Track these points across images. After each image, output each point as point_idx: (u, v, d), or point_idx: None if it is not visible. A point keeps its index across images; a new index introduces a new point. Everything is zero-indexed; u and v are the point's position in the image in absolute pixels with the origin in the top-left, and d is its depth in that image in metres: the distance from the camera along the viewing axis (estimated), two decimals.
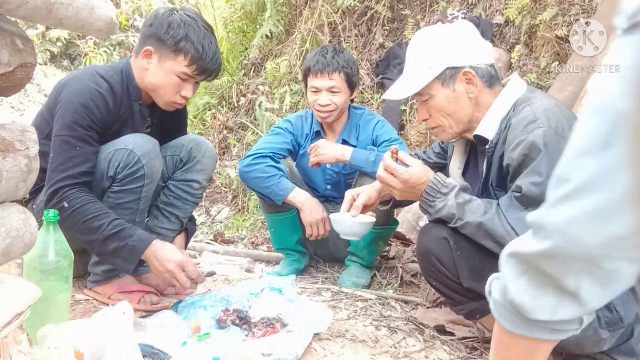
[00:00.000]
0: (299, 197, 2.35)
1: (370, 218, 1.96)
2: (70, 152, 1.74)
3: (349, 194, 1.96)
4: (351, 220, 1.91)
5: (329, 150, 2.35)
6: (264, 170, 2.36)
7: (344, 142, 2.51)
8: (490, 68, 1.64)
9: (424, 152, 2.10)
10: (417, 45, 1.68)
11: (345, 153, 2.33)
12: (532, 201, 1.41)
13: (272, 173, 2.36)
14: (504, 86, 1.65)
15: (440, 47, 1.62)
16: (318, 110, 2.44)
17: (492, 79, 1.63)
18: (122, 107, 1.91)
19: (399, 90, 1.69)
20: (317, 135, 2.55)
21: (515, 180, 1.47)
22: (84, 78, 1.84)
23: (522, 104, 1.54)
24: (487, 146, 1.59)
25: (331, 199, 2.63)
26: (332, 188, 2.58)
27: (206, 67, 1.86)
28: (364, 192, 1.93)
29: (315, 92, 2.42)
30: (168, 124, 2.13)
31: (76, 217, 1.70)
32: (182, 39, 1.81)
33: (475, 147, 1.74)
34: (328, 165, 2.53)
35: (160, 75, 1.86)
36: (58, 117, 1.78)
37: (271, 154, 2.41)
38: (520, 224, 1.41)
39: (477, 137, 1.62)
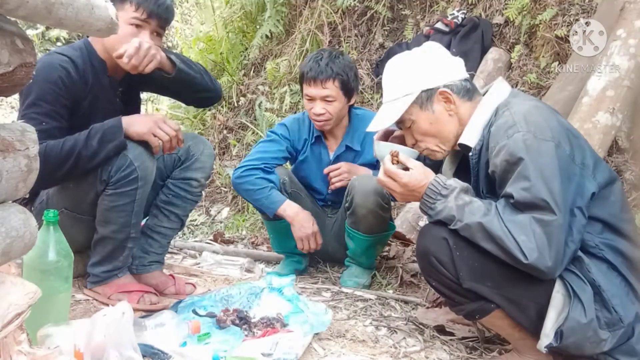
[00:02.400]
0: (289, 210, 2.33)
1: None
2: (36, 128, 1.76)
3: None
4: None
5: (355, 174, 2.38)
6: (254, 182, 2.35)
7: (347, 148, 2.49)
8: (465, 82, 1.67)
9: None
10: (390, 74, 1.71)
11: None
12: (526, 206, 1.42)
13: (262, 185, 2.34)
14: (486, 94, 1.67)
15: (412, 72, 1.66)
16: (314, 119, 2.41)
17: (470, 92, 1.67)
18: (89, 80, 1.91)
19: (380, 120, 1.71)
20: (318, 140, 2.51)
21: (504, 186, 1.48)
22: (41, 59, 1.85)
23: (503, 109, 1.57)
24: (470, 154, 1.61)
25: (330, 203, 2.62)
26: (332, 192, 2.55)
27: (153, 8, 1.85)
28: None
29: (310, 100, 2.38)
30: (142, 89, 2.16)
31: (50, 155, 1.69)
32: None
33: (465, 156, 1.75)
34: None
35: None
36: (23, 98, 1.79)
37: (262, 166, 2.38)
38: (516, 226, 1.42)
39: (461, 145, 1.64)
